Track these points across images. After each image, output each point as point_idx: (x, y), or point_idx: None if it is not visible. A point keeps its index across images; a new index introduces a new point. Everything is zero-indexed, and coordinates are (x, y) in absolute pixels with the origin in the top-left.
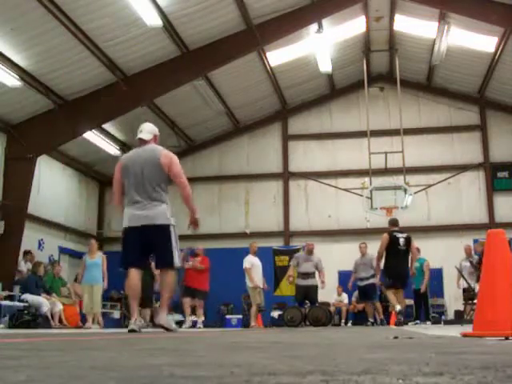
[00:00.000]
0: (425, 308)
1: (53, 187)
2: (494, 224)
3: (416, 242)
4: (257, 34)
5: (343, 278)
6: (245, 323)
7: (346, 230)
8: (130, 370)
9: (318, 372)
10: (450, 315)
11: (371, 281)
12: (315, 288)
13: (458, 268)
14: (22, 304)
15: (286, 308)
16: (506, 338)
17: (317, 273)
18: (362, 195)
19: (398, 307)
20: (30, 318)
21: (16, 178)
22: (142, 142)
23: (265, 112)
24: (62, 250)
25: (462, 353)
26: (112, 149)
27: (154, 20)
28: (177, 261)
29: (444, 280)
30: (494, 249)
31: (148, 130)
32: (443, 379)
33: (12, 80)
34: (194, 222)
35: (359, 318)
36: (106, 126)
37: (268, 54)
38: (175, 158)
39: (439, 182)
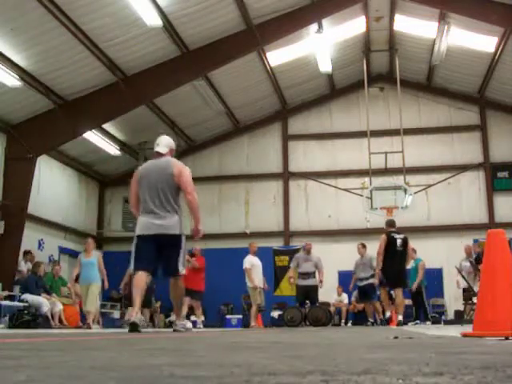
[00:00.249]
0: (422, 308)
1: (53, 187)
2: (493, 224)
3: (416, 242)
4: (257, 34)
5: (343, 278)
6: (245, 323)
7: (345, 230)
8: (129, 369)
9: (317, 372)
10: (450, 315)
11: (370, 281)
12: (316, 288)
13: (458, 268)
14: (21, 304)
15: (285, 308)
16: (506, 338)
17: (317, 272)
18: (362, 195)
19: (388, 314)
20: (30, 318)
21: (16, 178)
22: (159, 154)
23: (265, 112)
24: (62, 250)
25: (462, 353)
26: (112, 149)
27: (153, 20)
28: (181, 269)
29: (444, 280)
30: (494, 249)
31: (165, 143)
32: (443, 379)
33: (12, 80)
34: (197, 233)
35: (359, 318)
36: (106, 126)
37: (268, 54)
38: (186, 170)
39: (439, 182)
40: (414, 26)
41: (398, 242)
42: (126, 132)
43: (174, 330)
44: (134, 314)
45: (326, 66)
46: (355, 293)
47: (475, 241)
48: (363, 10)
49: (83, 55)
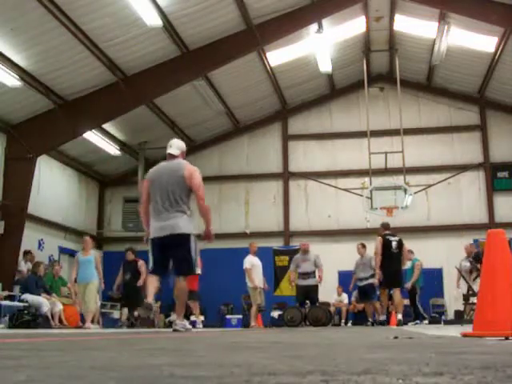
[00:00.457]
0: (413, 307)
1: (53, 187)
2: (493, 224)
3: (416, 242)
4: (257, 34)
5: (343, 278)
6: (245, 323)
7: (345, 230)
8: (129, 369)
9: (317, 372)
10: (450, 315)
11: (370, 281)
12: (316, 288)
13: (458, 268)
14: (21, 304)
15: (286, 308)
16: (506, 338)
17: (316, 270)
18: (362, 195)
19: (383, 317)
20: (30, 318)
21: (16, 178)
22: (171, 156)
23: (265, 112)
24: (62, 250)
25: (462, 353)
26: (112, 149)
27: (153, 20)
28: (195, 269)
29: (444, 280)
30: (494, 249)
31: (177, 145)
32: (443, 379)
33: (12, 80)
34: (208, 235)
35: (359, 318)
36: (106, 126)
37: (268, 54)
38: (197, 172)
39: (439, 182)
40: (414, 26)
41: (394, 244)
42: (126, 132)
43: (174, 330)
44: (149, 299)
45: (326, 66)
46: (355, 293)
47: (475, 241)
48: (363, 10)
49: (83, 55)
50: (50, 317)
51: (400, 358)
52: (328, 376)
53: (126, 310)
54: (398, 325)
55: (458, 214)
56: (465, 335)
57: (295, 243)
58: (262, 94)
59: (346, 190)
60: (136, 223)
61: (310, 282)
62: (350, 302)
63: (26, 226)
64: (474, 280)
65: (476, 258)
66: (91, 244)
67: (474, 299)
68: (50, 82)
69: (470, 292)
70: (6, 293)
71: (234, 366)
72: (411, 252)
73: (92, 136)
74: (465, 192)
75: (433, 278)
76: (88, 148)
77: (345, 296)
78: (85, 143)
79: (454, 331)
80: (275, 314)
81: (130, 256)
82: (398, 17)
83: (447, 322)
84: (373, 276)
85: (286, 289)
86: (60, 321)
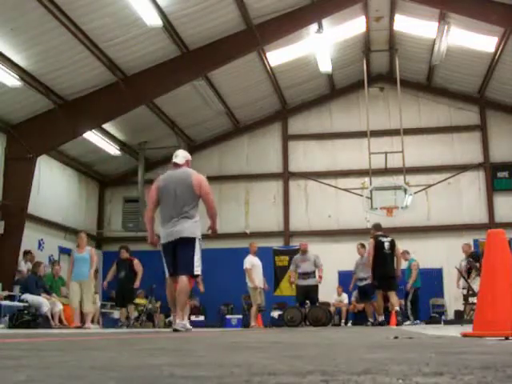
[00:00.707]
0: (405, 307)
1: (53, 187)
2: (493, 224)
3: (416, 242)
4: (257, 34)
5: (343, 278)
6: (245, 323)
7: (345, 230)
8: (130, 369)
9: (317, 372)
10: (450, 315)
11: (370, 281)
12: (316, 288)
13: (458, 268)
14: (21, 304)
15: (286, 308)
16: (506, 338)
17: (316, 270)
18: (362, 195)
19: (381, 318)
20: (30, 318)
21: (16, 178)
22: (176, 165)
23: (265, 112)
24: (62, 250)
25: (462, 353)
26: (112, 149)
27: (154, 20)
28: (197, 270)
29: (444, 280)
30: (494, 249)
31: (182, 155)
32: (443, 379)
33: (12, 80)
34: (213, 230)
35: (359, 318)
36: (106, 126)
37: (268, 54)
38: (205, 181)
39: (439, 182)
40: (414, 26)
41: (386, 245)
42: (126, 132)
43: (174, 330)
44: (175, 318)
45: (326, 66)
46: (355, 293)
47: (475, 241)
48: (363, 10)
49: (83, 55)
50: (50, 317)
51: (400, 357)
52: (328, 376)
53: (124, 310)
54: (397, 325)
55: (457, 214)
56: (465, 335)
57: (295, 243)
58: (262, 94)
59: (346, 190)
60: (136, 223)
61: (309, 282)
62: (350, 302)
63: (26, 226)
64: (473, 279)
65: (474, 257)
66: (86, 240)
67: (473, 299)
68: (49, 81)
69: (470, 292)
70: (6, 293)
71: (234, 365)
72: (407, 252)
73: (92, 136)
74: (465, 192)
75: (433, 278)
76: (88, 148)
77: (345, 296)
78: (85, 143)
79: (454, 331)
80: (275, 314)
81: (124, 254)
82: (398, 17)
83: (447, 322)
84: None
85: (286, 289)
86: (60, 321)
